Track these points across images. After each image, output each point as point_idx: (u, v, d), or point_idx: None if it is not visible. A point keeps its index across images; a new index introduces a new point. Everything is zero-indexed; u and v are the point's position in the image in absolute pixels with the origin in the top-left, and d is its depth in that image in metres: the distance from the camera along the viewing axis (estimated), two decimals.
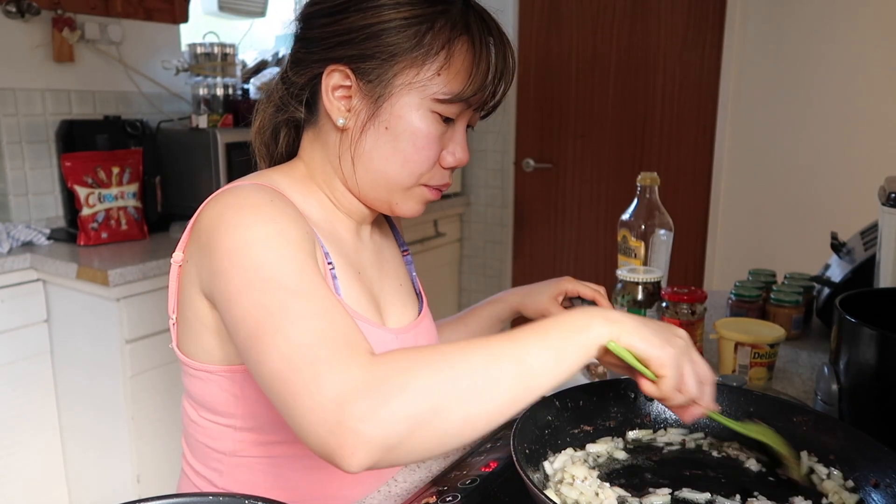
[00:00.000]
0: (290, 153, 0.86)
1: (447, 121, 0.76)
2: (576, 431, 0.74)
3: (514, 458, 0.60)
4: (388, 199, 0.79)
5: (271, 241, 0.63)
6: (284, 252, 0.63)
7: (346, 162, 0.78)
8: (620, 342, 0.60)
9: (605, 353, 0.61)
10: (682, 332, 0.64)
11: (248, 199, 0.68)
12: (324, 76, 0.75)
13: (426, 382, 0.53)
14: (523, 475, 0.57)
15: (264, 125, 0.85)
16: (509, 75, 0.77)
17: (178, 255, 0.74)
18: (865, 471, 0.65)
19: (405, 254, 0.98)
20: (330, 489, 0.81)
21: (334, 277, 0.76)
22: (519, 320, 0.83)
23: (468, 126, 0.81)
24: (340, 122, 0.76)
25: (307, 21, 0.78)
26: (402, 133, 0.74)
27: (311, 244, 0.67)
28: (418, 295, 0.94)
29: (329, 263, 0.76)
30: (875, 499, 0.62)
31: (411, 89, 0.73)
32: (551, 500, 0.54)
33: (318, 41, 0.76)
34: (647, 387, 0.63)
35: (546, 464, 0.69)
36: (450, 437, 0.54)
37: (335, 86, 0.75)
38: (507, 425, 0.87)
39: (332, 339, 0.56)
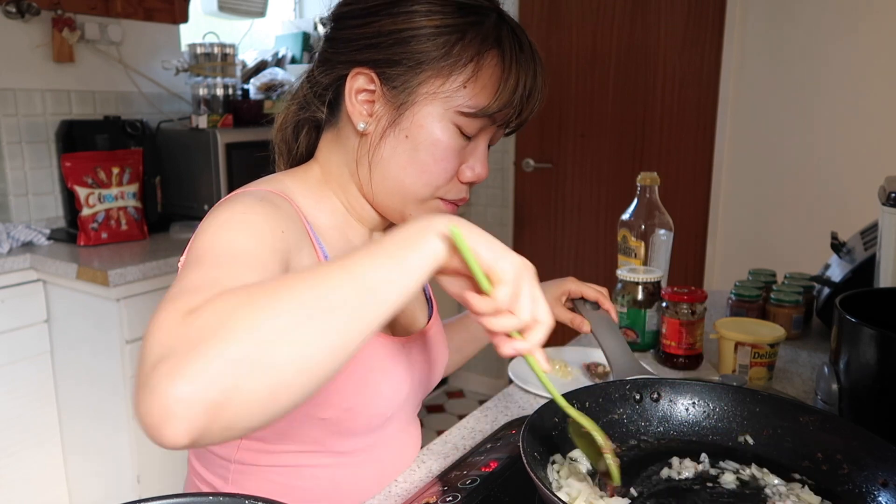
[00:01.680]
0: (310, 153, 0.84)
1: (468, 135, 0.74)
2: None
3: (525, 461, 0.59)
4: (401, 210, 0.78)
5: (227, 226, 0.61)
6: (233, 235, 0.59)
7: (363, 167, 0.76)
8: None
9: (447, 269, 0.56)
10: (529, 263, 0.58)
11: (243, 200, 0.67)
12: (348, 78, 0.74)
13: (247, 323, 0.44)
14: (534, 477, 0.57)
15: (286, 123, 0.84)
16: (538, 95, 0.74)
17: (184, 259, 0.74)
18: (873, 470, 0.64)
19: None
20: (337, 496, 0.80)
21: None
22: None
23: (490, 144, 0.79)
24: (361, 126, 0.74)
25: (338, 21, 0.77)
26: (422, 143, 0.72)
27: (282, 242, 0.64)
28: (429, 300, 0.93)
29: None
30: (884, 499, 0.62)
31: (435, 99, 0.71)
32: (562, 502, 0.54)
33: (346, 42, 0.74)
34: (476, 300, 0.55)
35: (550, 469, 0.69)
36: (290, 380, 0.45)
37: (359, 89, 0.74)
38: (509, 425, 0.88)
39: (188, 289, 0.48)
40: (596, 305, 1.05)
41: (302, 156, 0.85)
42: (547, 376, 0.60)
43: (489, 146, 0.79)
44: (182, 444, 0.42)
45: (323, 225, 0.77)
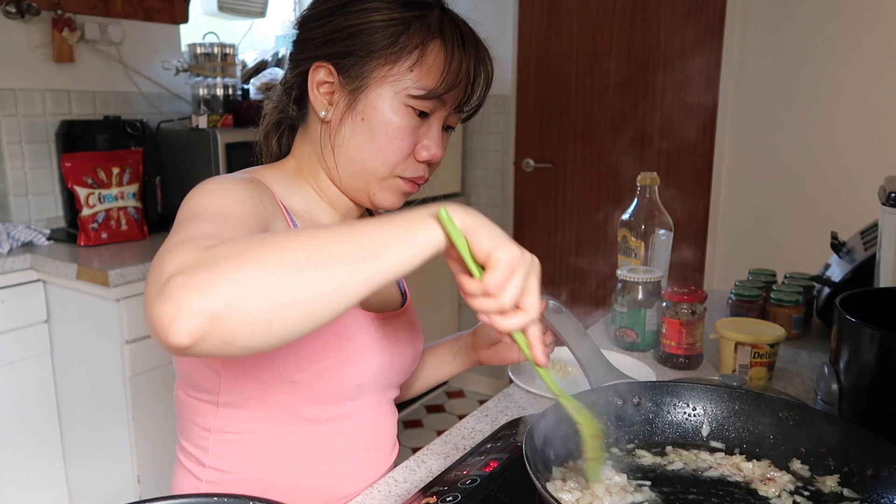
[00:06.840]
0: (288, 152, 0.92)
1: (422, 115, 0.81)
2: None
3: (527, 463, 0.59)
4: (366, 189, 0.84)
5: (214, 192, 0.69)
6: (221, 200, 0.67)
7: (327, 152, 0.84)
8: (461, 226, 0.57)
9: (450, 253, 0.59)
10: (533, 258, 0.59)
11: (223, 177, 0.75)
12: (310, 72, 0.82)
13: (256, 255, 0.51)
14: (535, 479, 0.57)
15: (269, 127, 0.92)
16: (485, 79, 0.83)
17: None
18: (891, 478, 0.64)
19: None
20: (311, 465, 0.84)
21: None
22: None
23: (449, 127, 0.86)
24: (323, 113, 0.82)
25: (301, 25, 0.85)
26: (376, 123, 0.80)
27: (262, 211, 0.72)
28: (403, 294, 0.98)
29: None
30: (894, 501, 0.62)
31: (385, 82, 0.79)
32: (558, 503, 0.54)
33: (308, 42, 0.83)
34: (466, 280, 0.58)
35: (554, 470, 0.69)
36: (284, 312, 0.51)
37: (320, 81, 0.82)
38: (509, 425, 0.88)
39: (199, 235, 0.57)
40: (559, 308, 1.00)
41: (282, 155, 0.93)
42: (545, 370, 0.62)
43: (449, 129, 0.86)
44: (184, 343, 0.49)
45: (296, 208, 0.84)
